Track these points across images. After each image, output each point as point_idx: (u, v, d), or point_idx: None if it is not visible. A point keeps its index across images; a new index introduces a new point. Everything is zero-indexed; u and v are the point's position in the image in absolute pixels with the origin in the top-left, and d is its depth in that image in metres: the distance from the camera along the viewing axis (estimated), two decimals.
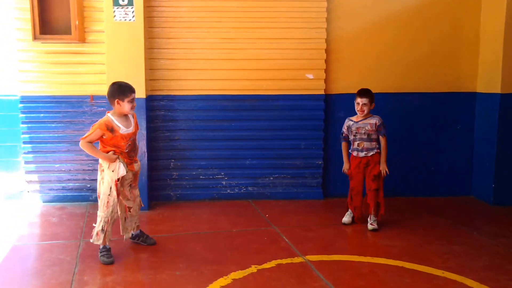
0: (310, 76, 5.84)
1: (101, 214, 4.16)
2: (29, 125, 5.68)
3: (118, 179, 4.13)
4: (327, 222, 5.23)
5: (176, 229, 4.95)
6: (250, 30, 5.75)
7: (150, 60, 5.66)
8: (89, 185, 5.79)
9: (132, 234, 4.49)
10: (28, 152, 5.72)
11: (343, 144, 5.18)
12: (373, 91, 5.07)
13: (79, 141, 4.28)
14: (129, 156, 4.23)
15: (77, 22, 5.40)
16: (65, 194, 5.78)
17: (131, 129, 4.23)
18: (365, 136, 5.00)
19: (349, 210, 5.18)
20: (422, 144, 6.14)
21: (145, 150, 5.50)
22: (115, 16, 5.31)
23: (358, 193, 5.06)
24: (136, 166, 4.33)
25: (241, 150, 5.92)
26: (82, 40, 5.56)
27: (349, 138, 5.12)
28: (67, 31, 5.45)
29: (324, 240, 4.71)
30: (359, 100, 4.98)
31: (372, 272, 3.99)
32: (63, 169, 5.77)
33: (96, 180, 5.29)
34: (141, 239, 4.52)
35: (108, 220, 4.14)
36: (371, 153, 5.00)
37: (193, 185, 5.90)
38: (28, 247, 4.56)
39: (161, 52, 5.70)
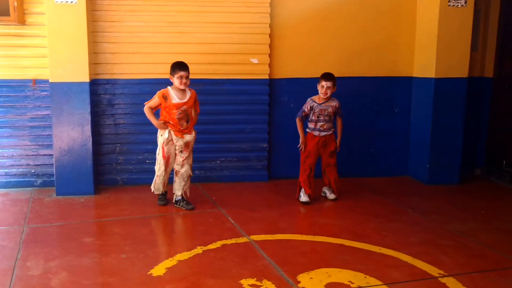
0: (255, 60, 5.93)
1: (155, 169, 5.07)
2: None
3: (164, 143, 4.95)
4: (271, 203, 5.39)
5: (122, 213, 4.97)
6: (195, 14, 5.76)
7: (94, 44, 5.58)
8: (33, 171, 5.69)
9: (176, 199, 5.11)
10: None
11: (300, 123, 5.35)
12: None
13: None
14: (179, 124, 4.92)
15: (15, 4, 5.25)
16: (8, 180, 5.66)
17: (184, 101, 4.92)
18: (327, 118, 5.27)
19: (303, 189, 5.32)
20: (362, 127, 6.35)
21: (90, 135, 5.45)
22: None
23: (313, 171, 5.31)
24: (188, 137, 5.01)
25: None
26: (22, 22, 5.41)
27: (307, 118, 5.31)
28: (5, 12, 5.29)
29: (268, 221, 4.86)
30: (323, 83, 5.18)
31: (314, 250, 4.18)
32: (6, 155, 5.64)
33: (40, 165, 5.80)
34: (181, 204, 5.09)
35: (158, 174, 5.03)
36: (329, 132, 5.32)
37: (140, 169, 5.90)
38: None
39: (105, 35, 5.63)
